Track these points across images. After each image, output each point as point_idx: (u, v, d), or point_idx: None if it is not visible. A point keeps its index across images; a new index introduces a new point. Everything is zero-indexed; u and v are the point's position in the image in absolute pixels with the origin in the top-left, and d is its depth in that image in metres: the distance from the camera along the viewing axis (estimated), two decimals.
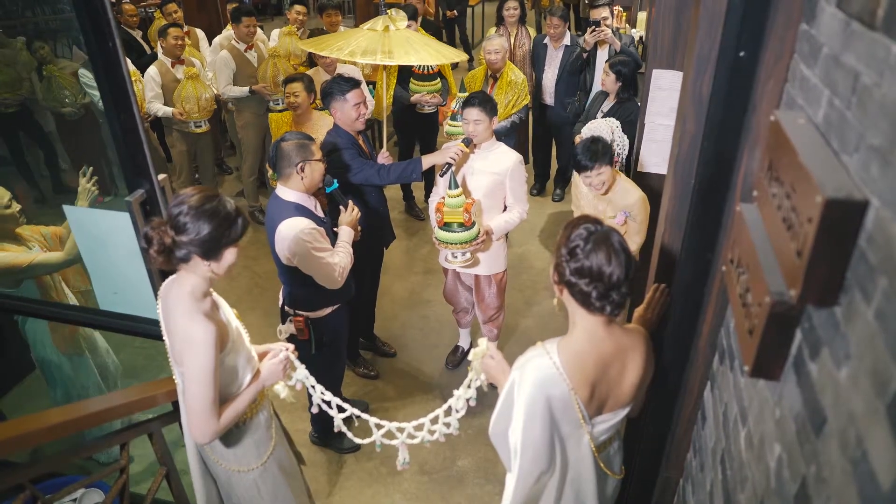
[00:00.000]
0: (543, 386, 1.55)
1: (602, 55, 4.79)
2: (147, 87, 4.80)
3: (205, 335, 1.68)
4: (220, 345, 1.77)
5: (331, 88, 2.98)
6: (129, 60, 5.12)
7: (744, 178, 1.38)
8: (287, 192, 2.55)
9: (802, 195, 0.89)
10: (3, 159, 5.63)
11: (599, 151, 2.90)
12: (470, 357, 1.92)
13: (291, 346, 2.13)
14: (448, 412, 2.14)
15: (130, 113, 1.82)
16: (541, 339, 1.65)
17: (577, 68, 4.76)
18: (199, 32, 6.02)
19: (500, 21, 5.38)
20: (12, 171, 5.53)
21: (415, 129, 5.10)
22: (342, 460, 3.21)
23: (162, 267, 1.74)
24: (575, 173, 3.17)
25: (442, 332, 4.09)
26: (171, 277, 1.83)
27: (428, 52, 3.01)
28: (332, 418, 2.25)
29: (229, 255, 1.74)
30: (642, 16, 6.97)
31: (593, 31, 4.57)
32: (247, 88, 4.93)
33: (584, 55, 4.67)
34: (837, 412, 0.83)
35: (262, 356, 2.10)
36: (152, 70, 4.80)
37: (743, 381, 1.28)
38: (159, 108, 4.83)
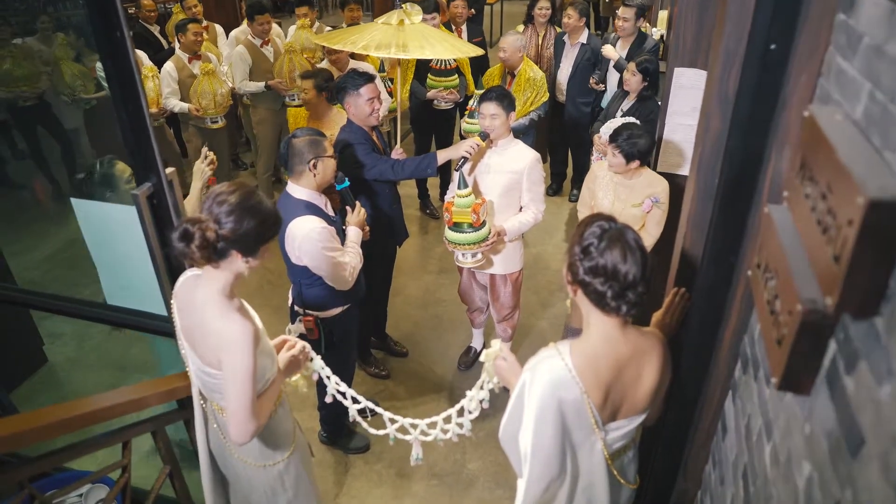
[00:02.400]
0: (555, 388, 1.49)
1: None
2: (163, 83, 4.80)
3: (243, 334, 1.63)
4: (256, 342, 1.72)
5: (344, 83, 2.93)
6: (146, 56, 5.16)
7: (772, 178, 1.31)
8: (298, 189, 2.51)
9: (841, 196, 0.82)
10: (21, 153, 5.68)
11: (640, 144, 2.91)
12: (482, 358, 1.86)
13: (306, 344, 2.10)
14: (461, 413, 2.09)
15: (138, 104, 1.78)
16: (556, 340, 1.59)
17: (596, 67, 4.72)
18: (218, 28, 6.02)
19: (528, 20, 5.25)
20: (30, 164, 5.58)
21: (431, 125, 5.04)
22: (350, 461, 3.17)
23: (196, 264, 1.67)
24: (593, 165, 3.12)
25: (455, 333, 4.04)
26: (189, 274, 1.78)
27: (444, 46, 2.95)
28: (341, 417, 2.22)
29: (265, 251, 1.71)
30: (663, 14, 6.84)
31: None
32: (262, 84, 4.91)
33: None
34: (878, 433, 0.76)
35: (276, 349, 2.06)
36: (169, 66, 4.79)
37: (768, 392, 1.21)
38: (175, 104, 4.82)
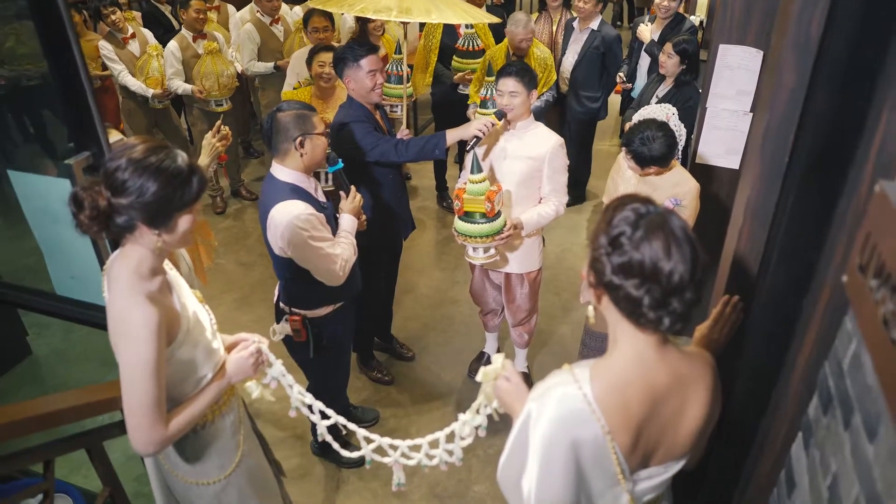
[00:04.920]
0: (568, 425, 1.14)
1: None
2: (167, 63, 4.56)
3: (144, 321, 1.36)
4: (168, 335, 1.45)
5: (343, 54, 2.61)
6: (151, 34, 4.90)
7: (880, 146, 0.94)
8: (283, 171, 2.20)
9: None
10: (25, 134, 5.50)
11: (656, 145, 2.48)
12: (479, 378, 1.50)
13: (266, 340, 1.78)
14: (451, 438, 1.75)
15: (71, 60, 1.48)
16: (578, 348, 1.23)
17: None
18: (231, 8, 5.77)
19: (542, 6, 4.95)
20: (34, 147, 5.40)
21: (455, 112, 4.71)
22: (343, 477, 2.86)
23: (98, 238, 1.42)
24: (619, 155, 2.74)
25: (467, 336, 3.70)
26: (116, 251, 1.51)
27: (454, 10, 2.61)
28: (334, 426, 1.91)
29: (183, 221, 1.42)
30: (703, 1, 6.49)
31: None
32: (272, 64, 4.64)
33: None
34: None
35: (231, 348, 1.76)
36: (172, 44, 4.55)
37: (872, 451, 0.84)
38: (179, 86, 4.57)
